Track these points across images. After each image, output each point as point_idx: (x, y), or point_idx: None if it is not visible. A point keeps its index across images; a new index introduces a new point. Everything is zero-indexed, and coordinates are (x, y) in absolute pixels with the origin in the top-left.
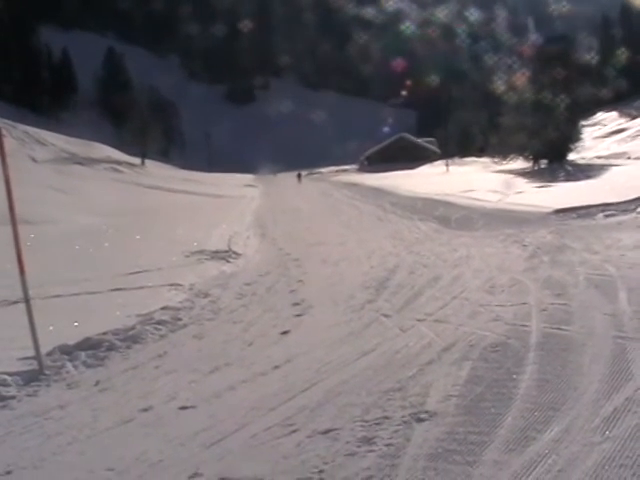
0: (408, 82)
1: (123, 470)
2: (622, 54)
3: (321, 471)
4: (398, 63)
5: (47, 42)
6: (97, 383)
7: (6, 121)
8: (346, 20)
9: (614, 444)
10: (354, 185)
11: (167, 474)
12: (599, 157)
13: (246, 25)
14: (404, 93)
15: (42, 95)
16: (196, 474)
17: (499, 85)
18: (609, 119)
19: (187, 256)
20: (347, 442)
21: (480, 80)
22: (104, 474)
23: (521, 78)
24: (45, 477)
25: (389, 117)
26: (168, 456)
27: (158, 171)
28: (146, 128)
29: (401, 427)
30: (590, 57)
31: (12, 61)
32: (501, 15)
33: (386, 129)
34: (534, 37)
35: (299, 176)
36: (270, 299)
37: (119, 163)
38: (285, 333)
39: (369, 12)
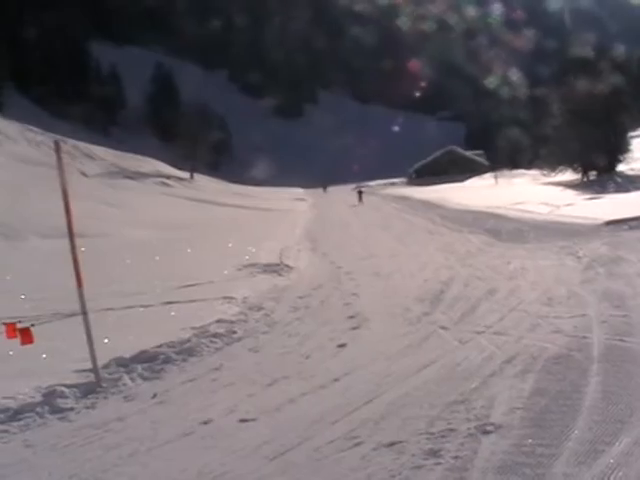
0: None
1: None
2: None
3: None
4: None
5: (97, 57)
6: (154, 396)
7: (57, 136)
8: (401, 36)
9: None
10: (403, 198)
11: None
12: None
13: (296, 38)
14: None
15: (92, 110)
16: None
17: (547, 97)
18: None
19: (239, 269)
20: (413, 455)
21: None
22: None
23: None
24: None
25: (438, 130)
26: (231, 469)
27: (207, 185)
28: (195, 142)
29: (467, 440)
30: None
31: (63, 76)
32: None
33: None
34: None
35: (360, 194)
36: (324, 312)
37: (168, 177)
38: (342, 346)
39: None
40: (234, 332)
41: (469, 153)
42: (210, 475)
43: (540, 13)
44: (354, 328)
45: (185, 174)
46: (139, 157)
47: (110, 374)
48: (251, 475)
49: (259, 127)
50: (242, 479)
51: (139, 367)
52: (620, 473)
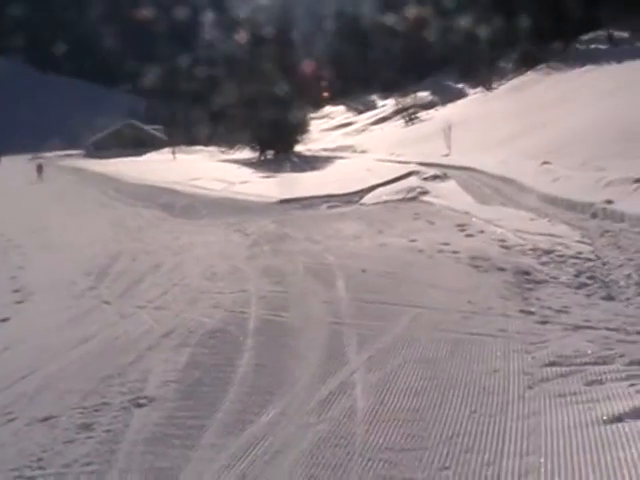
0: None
1: None
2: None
3: (40, 459)
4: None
5: None
6: None
7: None
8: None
9: (329, 425)
10: (79, 171)
11: None
12: (325, 149)
13: None
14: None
15: None
16: None
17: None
18: (337, 112)
19: None
20: (66, 429)
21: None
22: None
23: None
24: None
25: (119, 103)
26: None
27: None
28: None
29: (120, 413)
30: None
31: None
32: None
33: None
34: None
35: (40, 168)
36: None
37: None
38: (5, 320)
39: None
40: None
41: (148, 127)
42: None
43: None
44: (18, 302)
45: None
46: None
47: None
48: None
49: None
50: None
51: None
52: (266, 442)
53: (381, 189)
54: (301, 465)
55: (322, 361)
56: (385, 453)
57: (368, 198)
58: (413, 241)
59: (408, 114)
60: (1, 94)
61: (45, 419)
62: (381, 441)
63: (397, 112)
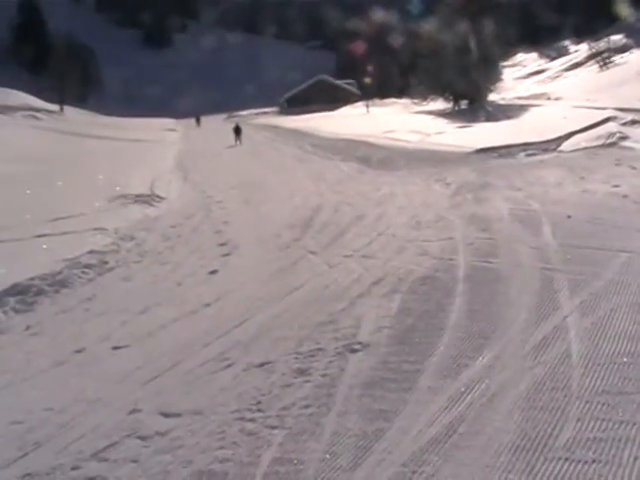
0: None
1: (62, 409)
2: None
3: (259, 402)
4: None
5: None
6: (27, 328)
7: None
8: None
9: (545, 369)
10: (274, 127)
11: (107, 411)
12: (519, 98)
13: None
14: None
15: None
16: (135, 410)
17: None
18: (529, 60)
19: (110, 201)
20: (283, 374)
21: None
22: (43, 414)
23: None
24: None
25: (308, 59)
26: (106, 394)
27: (77, 117)
28: (63, 75)
29: (335, 358)
30: None
31: None
32: None
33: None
34: None
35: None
36: (196, 240)
37: (37, 110)
38: (213, 272)
39: None
40: (106, 262)
41: (340, 82)
42: (85, 401)
43: None
44: (225, 255)
45: (54, 107)
46: (6, 90)
47: None
48: (125, 399)
49: (128, 58)
50: (117, 403)
51: (11, 300)
52: (483, 386)
53: (579, 136)
54: (519, 408)
55: (534, 306)
56: (602, 396)
57: (566, 145)
58: (616, 187)
59: (602, 59)
60: (199, 56)
61: (261, 364)
62: (598, 384)
63: (590, 57)
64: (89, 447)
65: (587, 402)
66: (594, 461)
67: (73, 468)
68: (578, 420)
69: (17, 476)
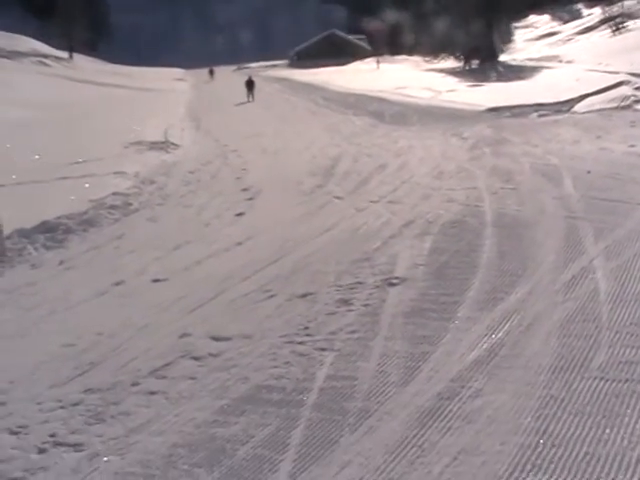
0: None
1: (111, 334)
2: None
3: (306, 327)
4: None
5: None
6: (61, 262)
7: None
8: None
9: (576, 303)
10: (285, 80)
11: (157, 335)
12: (530, 59)
13: None
14: None
15: None
16: (185, 334)
17: None
18: (541, 22)
19: (126, 147)
20: (326, 304)
21: None
22: (93, 337)
23: None
24: (34, 343)
25: (319, 13)
26: (153, 321)
27: (87, 65)
28: (72, 21)
29: (375, 290)
30: None
31: None
32: None
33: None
34: None
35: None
36: (217, 185)
37: (46, 56)
38: (240, 215)
39: None
40: (130, 204)
41: (351, 37)
42: (133, 327)
43: None
44: (249, 199)
45: (64, 54)
46: (14, 35)
47: (14, 244)
48: (173, 324)
49: (138, 6)
50: (166, 328)
51: (41, 237)
52: (519, 316)
53: (592, 98)
54: (554, 335)
55: (561, 249)
56: (630, 327)
57: (580, 106)
58: (632, 146)
59: (615, 23)
60: (209, 7)
61: (304, 295)
62: (626, 318)
63: (603, 21)
64: (145, 366)
65: (617, 332)
66: (627, 380)
67: (133, 384)
68: (610, 347)
69: (78, 391)
